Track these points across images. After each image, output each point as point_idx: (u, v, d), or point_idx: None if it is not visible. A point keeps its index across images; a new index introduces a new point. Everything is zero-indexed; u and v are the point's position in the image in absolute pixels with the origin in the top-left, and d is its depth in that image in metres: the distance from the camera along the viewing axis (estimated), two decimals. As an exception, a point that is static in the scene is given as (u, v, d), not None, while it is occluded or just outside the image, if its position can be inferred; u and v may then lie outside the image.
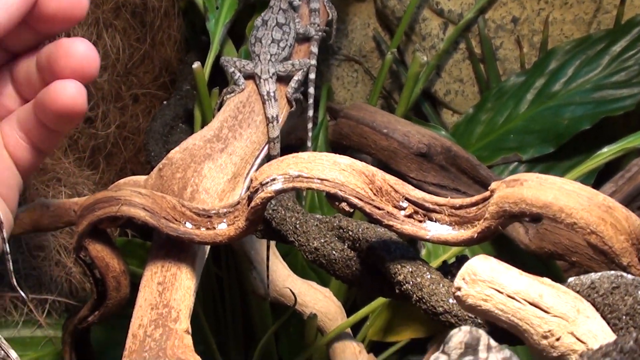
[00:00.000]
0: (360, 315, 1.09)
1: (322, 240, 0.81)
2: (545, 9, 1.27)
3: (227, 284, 1.27)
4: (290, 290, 1.05)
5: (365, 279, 0.79)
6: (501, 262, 0.53)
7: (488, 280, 0.52)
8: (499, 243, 1.06)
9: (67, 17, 0.68)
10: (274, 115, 0.90)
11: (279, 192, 0.67)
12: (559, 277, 1.09)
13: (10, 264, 0.68)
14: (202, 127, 1.06)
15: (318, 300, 1.09)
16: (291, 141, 1.21)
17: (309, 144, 1.03)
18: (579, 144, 1.20)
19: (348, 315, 1.12)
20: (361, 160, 1.17)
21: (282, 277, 1.09)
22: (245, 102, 0.91)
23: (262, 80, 0.91)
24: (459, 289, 0.53)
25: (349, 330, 1.11)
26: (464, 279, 0.53)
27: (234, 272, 1.26)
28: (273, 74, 0.92)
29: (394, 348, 1.23)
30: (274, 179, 0.67)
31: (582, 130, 1.19)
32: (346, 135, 1.17)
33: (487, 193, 0.63)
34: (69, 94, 0.66)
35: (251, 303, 1.22)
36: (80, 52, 0.67)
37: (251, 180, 0.70)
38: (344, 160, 0.67)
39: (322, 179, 0.66)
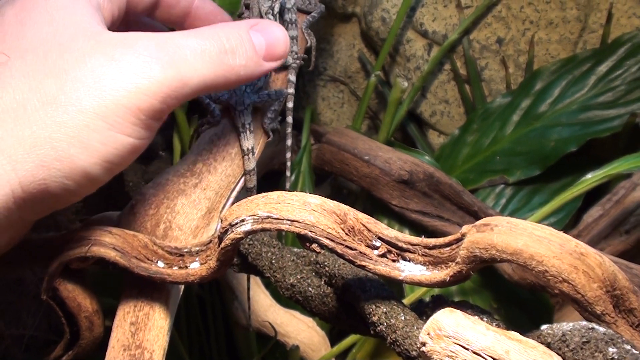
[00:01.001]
0: (344, 345, 1.07)
1: (299, 277, 0.79)
2: (531, 29, 1.26)
3: (210, 311, 1.25)
4: (270, 323, 1.03)
5: (341, 316, 0.77)
6: (468, 316, 0.52)
7: (453, 336, 0.50)
8: (485, 273, 1.05)
9: None
10: (250, 148, 0.88)
11: (248, 234, 0.66)
12: (546, 305, 1.08)
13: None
14: (182, 156, 1.04)
15: (301, 331, 1.07)
16: (274, 166, 1.20)
17: (288, 173, 1.01)
18: (566, 165, 1.19)
19: (333, 344, 1.10)
20: (345, 186, 1.16)
21: (264, 307, 1.08)
22: (220, 134, 0.89)
23: (237, 112, 0.89)
24: (424, 344, 0.51)
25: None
26: (428, 334, 0.51)
27: (217, 298, 1.24)
28: (248, 105, 0.90)
29: (382, 374, 1.21)
30: (242, 220, 0.65)
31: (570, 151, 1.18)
32: (328, 162, 1.15)
33: (459, 234, 0.62)
34: None
35: (236, 332, 1.20)
36: None
37: (221, 221, 0.68)
38: (314, 200, 0.65)
39: (291, 220, 0.65)
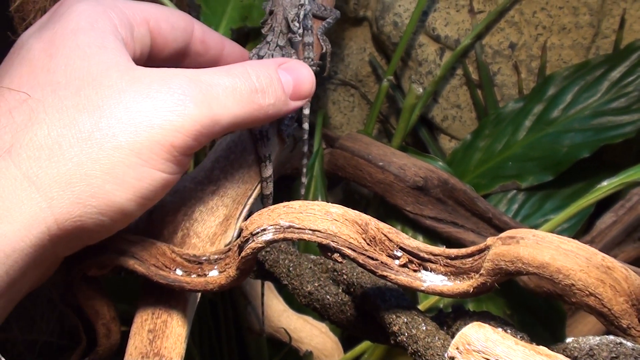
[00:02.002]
0: (358, 351, 1.07)
1: (316, 284, 0.79)
2: (543, 35, 1.25)
3: (222, 316, 1.25)
4: (285, 330, 1.03)
5: (359, 325, 0.77)
6: (497, 331, 0.51)
7: (482, 351, 0.50)
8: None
9: None
10: (267, 155, 0.87)
11: (269, 243, 0.65)
12: (559, 312, 1.07)
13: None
14: (196, 162, 1.04)
15: (314, 337, 1.07)
16: (286, 171, 1.19)
17: (304, 179, 1.01)
18: (579, 171, 1.18)
19: (345, 350, 1.10)
20: (357, 191, 1.16)
21: (277, 312, 1.08)
22: (237, 140, 0.89)
23: None
24: (452, 358, 0.51)
25: (346, 366, 1.09)
26: (457, 348, 0.51)
27: (229, 303, 1.24)
28: None
29: (393, 379, 1.21)
30: (264, 230, 0.65)
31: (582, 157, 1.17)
32: (341, 167, 1.15)
33: (482, 245, 0.62)
34: None
35: (247, 337, 1.20)
36: None
37: (241, 230, 0.68)
38: (336, 209, 0.65)
39: (313, 230, 0.64)
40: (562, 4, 1.23)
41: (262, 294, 1.00)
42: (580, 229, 1.16)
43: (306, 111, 0.96)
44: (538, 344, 0.60)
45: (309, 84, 0.77)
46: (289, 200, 0.67)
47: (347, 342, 1.12)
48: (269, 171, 0.88)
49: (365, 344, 1.08)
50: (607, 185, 0.97)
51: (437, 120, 1.35)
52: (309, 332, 1.08)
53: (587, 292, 0.54)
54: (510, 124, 1.25)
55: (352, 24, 1.40)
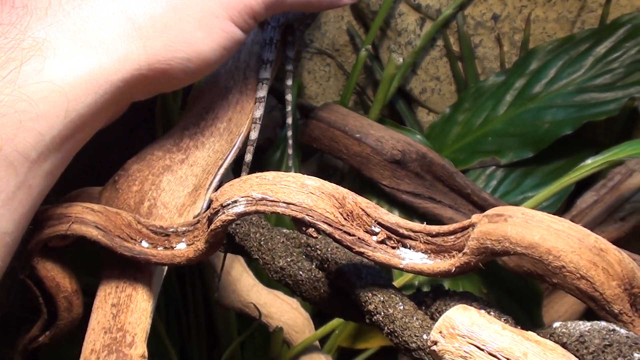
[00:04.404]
0: (329, 328, 1.04)
1: (289, 259, 0.76)
2: (528, 7, 1.22)
3: (190, 290, 1.22)
4: (254, 304, 1.00)
5: (333, 302, 0.74)
6: (483, 314, 0.48)
7: (467, 336, 0.47)
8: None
9: None
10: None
11: (240, 216, 0.62)
12: (536, 291, 1.05)
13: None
14: (164, 129, 1.00)
15: (284, 312, 1.04)
16: (259, 142, 1.16)
17: (290, 151, 0.99)
18: (559, 147, 1.16)
19: (317, 326, 1.07)
20: (332, 164, 1.13)
21: (246, 286, 1.04)
22: (207, 107, 0.85)
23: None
24: (435, 342, 0.48)
25: (317, 342, 1.06)
26: (440, 332, 0.48)
27: (197, 276, 1.21)
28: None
29: (364, 355, 1.19)
30: (235, 201, 0.62)
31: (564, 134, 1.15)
32: (317, 139, 1.11)
33: (466, 223, 0.59)
34: None
35: (216, 311, 1.17)
36: None
37: (211, 201, 0.65)
38: (312, 182, 0.62)
39: (288, 203, 0.61)
40: (548, -25, 1.21)
41: (224, 258, 0.97)
42: (560, 207, 1.13)
43: (288, 82, 0.94)
44: (516, 324, 0.58)
45: None
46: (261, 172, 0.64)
47: (319, 319, 1.09)
48: (256, 134, 0.86)
49: (336, 321, 1.05)
50: (590, 164, 0.95)
51: (415, 92, 1.32)
52: (280, 307, 1.05)
53: (578, 275, 0.51)
54: (491, 98, 1.22)
55: (330, -9, 1.36)
